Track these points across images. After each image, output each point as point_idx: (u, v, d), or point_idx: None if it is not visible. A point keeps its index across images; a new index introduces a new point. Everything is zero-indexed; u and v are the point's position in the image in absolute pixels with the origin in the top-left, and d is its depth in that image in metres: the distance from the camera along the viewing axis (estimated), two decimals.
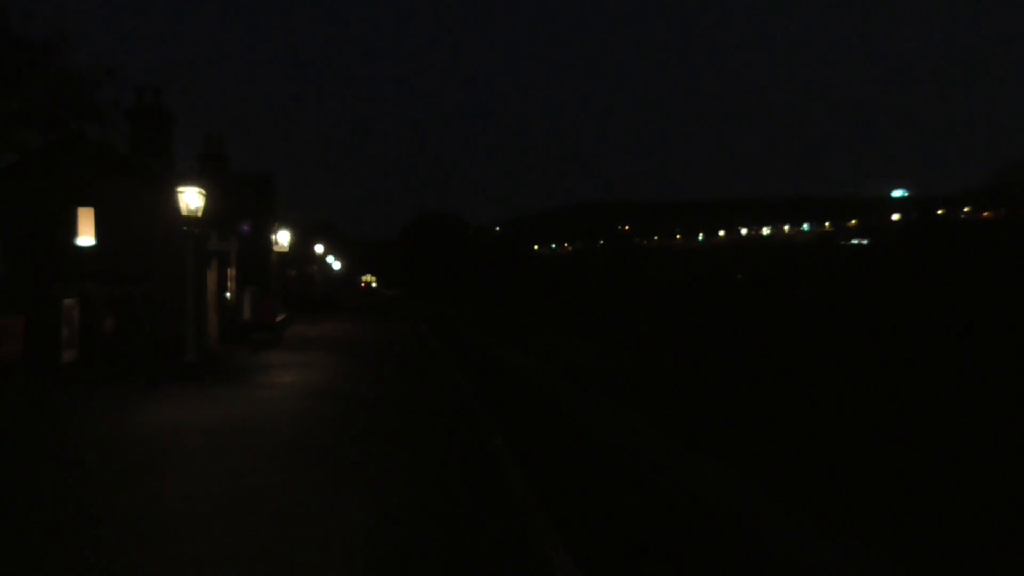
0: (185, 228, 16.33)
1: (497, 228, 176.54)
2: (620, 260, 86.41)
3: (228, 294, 25.83)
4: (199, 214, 16.32)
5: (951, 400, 14.99)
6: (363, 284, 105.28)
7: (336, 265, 79.65)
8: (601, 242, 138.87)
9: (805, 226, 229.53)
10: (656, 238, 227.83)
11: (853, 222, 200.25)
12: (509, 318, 43.63)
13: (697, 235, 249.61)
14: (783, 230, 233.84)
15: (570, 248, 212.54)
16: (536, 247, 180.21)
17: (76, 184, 19.93)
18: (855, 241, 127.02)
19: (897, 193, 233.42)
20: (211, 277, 22.37)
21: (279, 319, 28.08)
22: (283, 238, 36.19)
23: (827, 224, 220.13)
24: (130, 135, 22.68)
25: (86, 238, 20.15)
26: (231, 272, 26.25)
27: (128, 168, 20.85)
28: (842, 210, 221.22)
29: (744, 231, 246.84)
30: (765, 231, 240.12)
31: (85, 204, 20.14)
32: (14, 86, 22.45)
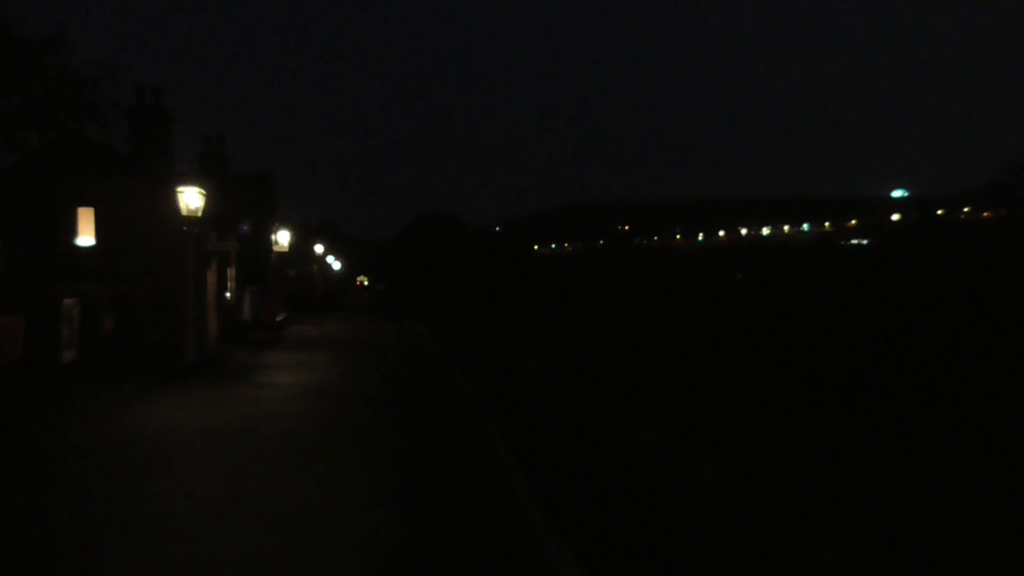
0: (185, 228, 16.34)
1: (496, 228, 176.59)
2: (620, 260, 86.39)
3: (228, 294, 25.82)
4: (199, 214, 16.32)
5: (949, 396, 14.99)
6: (358, 283, 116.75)
7: (336, 265, 79.57)
8: (601, 242, 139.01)
9: (805, 226, 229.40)
10: (656, 238, 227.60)
11: (853, 222, 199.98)
12: (508, 318, 43.60)
13: (697, 235, 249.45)
14: (783, 230, 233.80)
15: (570, 248, 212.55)
16: (536, 247, 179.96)
17: (76, 184, 19.90)
18: (855, 241, 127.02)
19: (897, 193, 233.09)
20: (211, 277, 22.36)
21: (279, 319, 28.05)
22: (283, 238, 36.16)
23: (827, 224, 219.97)
24: (130, 135, 22.60)
25: (86, 238, 20.14)
26: (231, 272, 26.24)
27: (128, 168, 20.82)
28: (842, 210, 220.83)
29: (744, 231, 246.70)
30: (765, 231, 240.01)
31: (85, 204, 20.15)
32: (14, 86, 22.38)
